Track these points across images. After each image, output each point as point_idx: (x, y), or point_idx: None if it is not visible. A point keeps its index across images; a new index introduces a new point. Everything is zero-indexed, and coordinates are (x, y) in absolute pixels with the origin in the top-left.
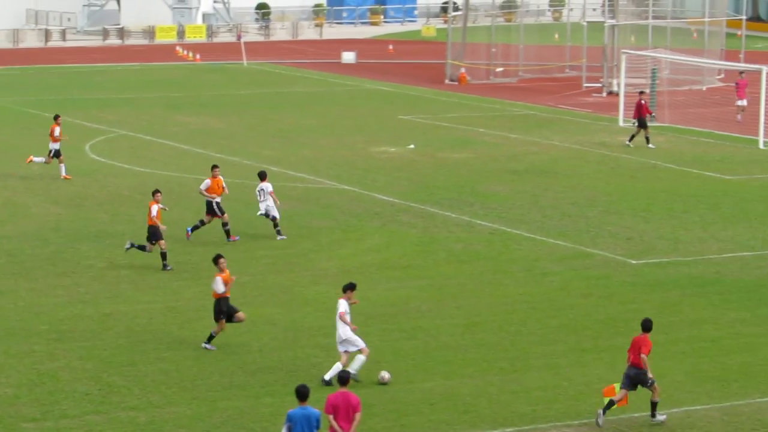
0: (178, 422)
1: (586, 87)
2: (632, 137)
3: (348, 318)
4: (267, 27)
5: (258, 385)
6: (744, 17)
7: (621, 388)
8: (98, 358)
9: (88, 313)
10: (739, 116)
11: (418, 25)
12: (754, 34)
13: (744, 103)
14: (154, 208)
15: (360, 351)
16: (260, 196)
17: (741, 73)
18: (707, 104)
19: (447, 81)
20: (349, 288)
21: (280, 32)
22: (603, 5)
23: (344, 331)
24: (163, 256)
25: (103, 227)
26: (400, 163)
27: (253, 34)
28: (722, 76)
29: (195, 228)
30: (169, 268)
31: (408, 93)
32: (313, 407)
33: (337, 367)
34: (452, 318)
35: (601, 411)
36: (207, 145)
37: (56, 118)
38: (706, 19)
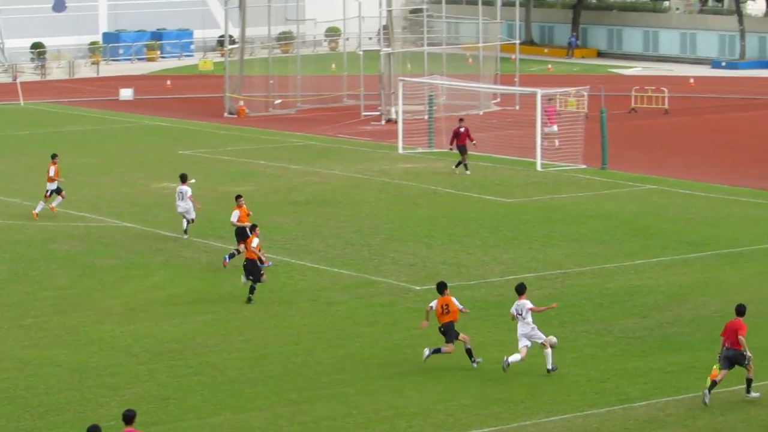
0: None
1: (365, 115)
2: (459, 164)
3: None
4: (43, 66)
5: (46, 428)
6: (517, 41)
7: (720, 369)
8: None
9: None
10: (556, 142)
11: (195, 59)
12: (528, 57)
13: (555, 129)
14: (255, 241)
15: (543, 344)
16: (179, 197)
17: (549, 99)
18: (484, 128)
19: (226, 114)
20: (525, 289)
21: (56, 71)
22: (378, 34)
23: (524, 327)
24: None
25: None
26: None
27: (29, 74)
28: (498, 100)
29: (231, 256)
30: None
31: (187, 128)
32: None
33: (516, 357)
34: (239, 351)
35: (706, 390)
36: None
37: (53, 157)
38: (480, 45)
